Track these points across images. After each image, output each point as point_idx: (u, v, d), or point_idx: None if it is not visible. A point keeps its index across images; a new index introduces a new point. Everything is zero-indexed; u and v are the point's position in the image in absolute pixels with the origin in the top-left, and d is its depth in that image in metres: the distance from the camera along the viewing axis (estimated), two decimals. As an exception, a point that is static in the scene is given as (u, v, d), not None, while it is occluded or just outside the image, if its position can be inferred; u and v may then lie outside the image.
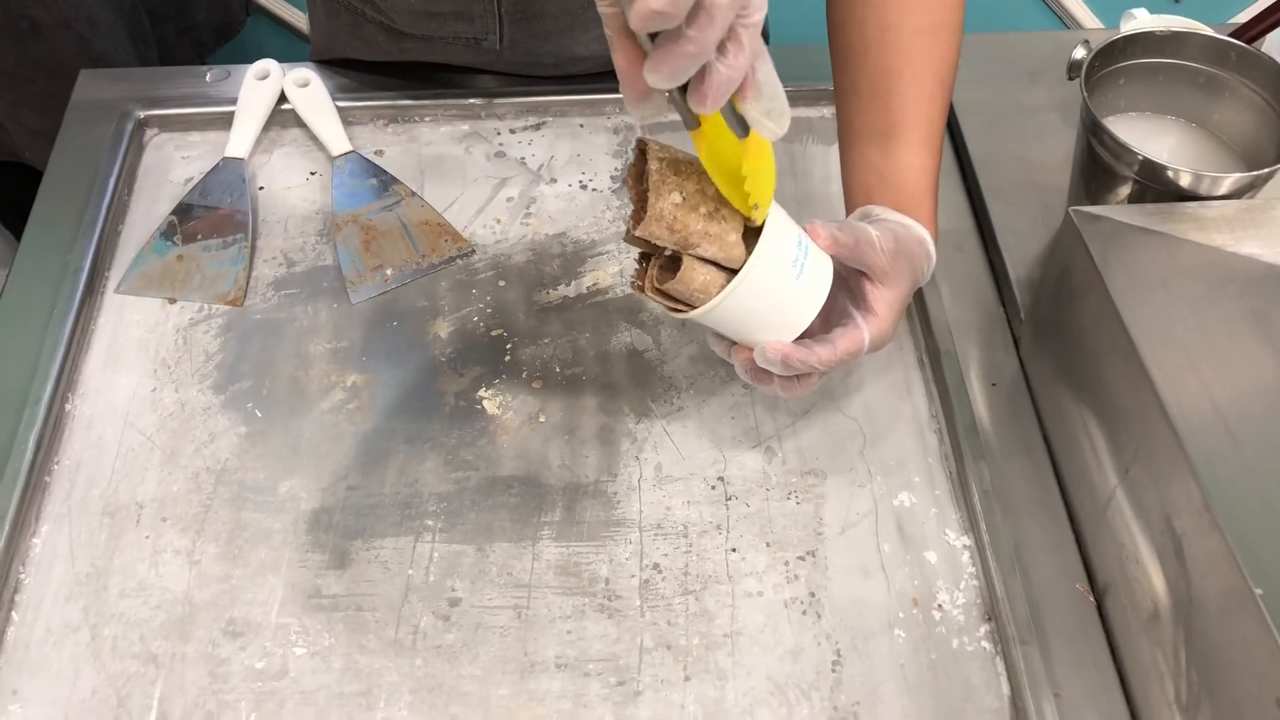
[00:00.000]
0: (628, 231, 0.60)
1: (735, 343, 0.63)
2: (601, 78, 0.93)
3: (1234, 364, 0.57)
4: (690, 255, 0.57)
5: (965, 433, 0.70)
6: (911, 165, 0.67)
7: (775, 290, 0.58)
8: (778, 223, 0.57)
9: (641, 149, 0.58)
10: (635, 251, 0.63)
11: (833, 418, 0.73)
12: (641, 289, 0.61)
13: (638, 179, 0.59)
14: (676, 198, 0.55)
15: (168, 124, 0.89)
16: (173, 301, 0.78)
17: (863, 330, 0.61)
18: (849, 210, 0.69)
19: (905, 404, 0.73)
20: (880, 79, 0.68)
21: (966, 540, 0.67)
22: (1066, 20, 1.87)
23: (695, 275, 0.57)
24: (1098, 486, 0.63)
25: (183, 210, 0.82)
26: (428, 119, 0.90)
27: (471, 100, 0.90)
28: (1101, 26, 1.84)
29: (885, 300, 0.62)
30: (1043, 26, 1.87)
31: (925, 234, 0.64)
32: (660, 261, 0.60)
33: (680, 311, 0.60)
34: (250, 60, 0.91)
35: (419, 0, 0.85)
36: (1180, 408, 0.55)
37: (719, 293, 0.57)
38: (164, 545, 0.67)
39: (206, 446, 0.71)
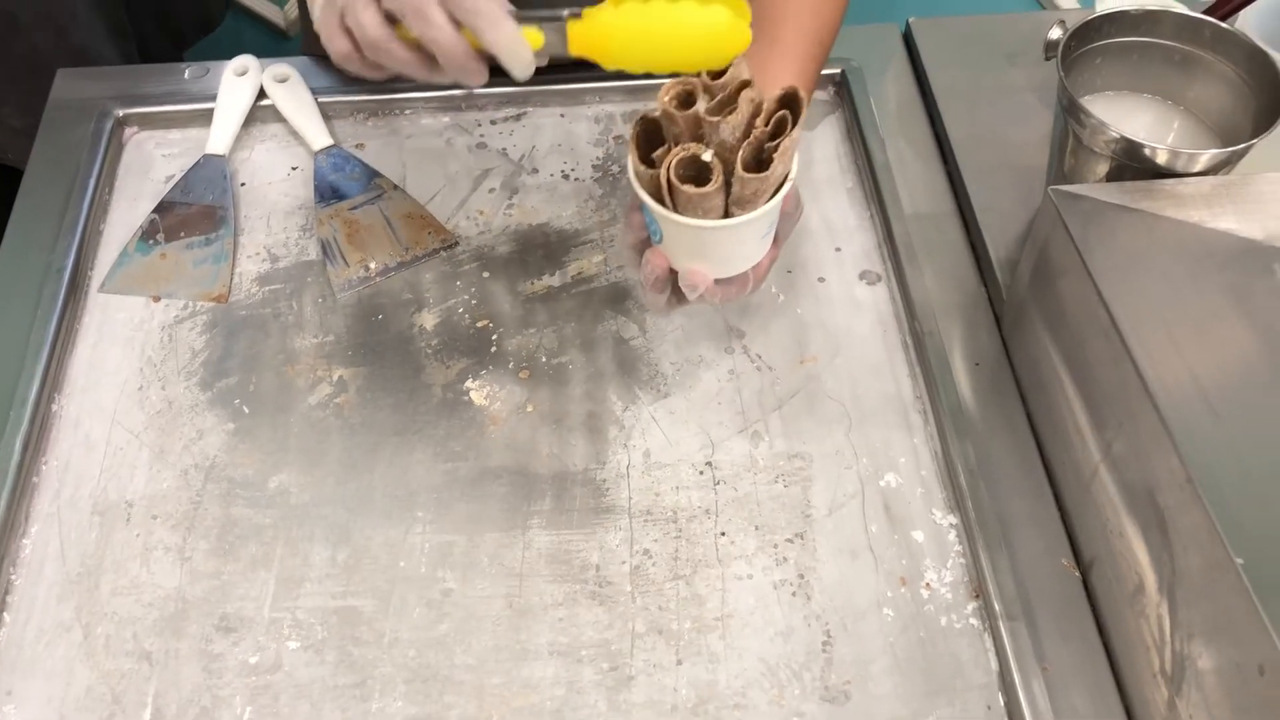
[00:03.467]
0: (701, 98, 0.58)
1: (650, 250, 0.63)
2: (581, 67, 0.93)
3: (1213, 338, 0.57)
4: (723, 180, 0.57)
5: (950, 412, 0.70)
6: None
7: (752, 237, 0.61)
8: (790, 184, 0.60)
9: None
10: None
11: (818, 401, 0.73)
12: (650, 163, 0.59)
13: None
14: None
15: (148, 122, 0.89)
16: (157, 299, 0.78)
17: (749, 278, 0.64)
18: None
19: (890, 385, 0.74)
20: (767, 24, 0.70)
21: (953, 519, 0.67)
22: (1046, 4, 1.88)
23: (714, 199, 0.57)
24: (1081, 463, 0.64)
25: (165, 208, 0.82)
26: (408, 112, 0.90)
27: (451, 92, 0.89)
28: (1078, 6, 1.85)
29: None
30: (1021, 7, 1.89)
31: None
32: (684, 160, 0.58)
33: (664, 207, 0.59)
34: (229, 55, 0.91)
35: None
36: (1161, 382, 0.55)
37: (717, 218, 0.58)
38: (155, 543, 0.67)
39: (195, 443, 0.71)
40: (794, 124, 0.57)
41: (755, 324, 0.77)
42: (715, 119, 0.56)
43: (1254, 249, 0.61)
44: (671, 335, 0.76)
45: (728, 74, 0.58)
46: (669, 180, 0.57)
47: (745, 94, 0.57)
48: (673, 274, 0.64)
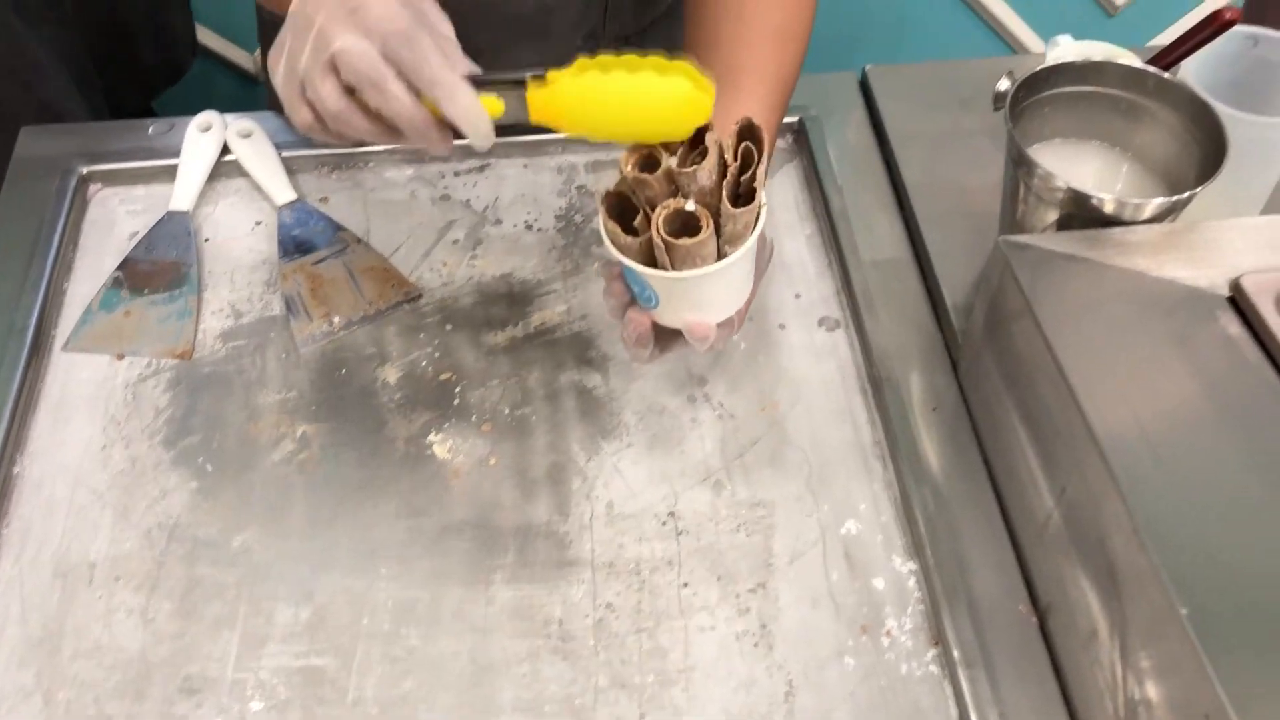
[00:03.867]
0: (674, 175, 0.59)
1: (630, 309, 0.65)
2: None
3: (1157, 386, 0.58)
4: (713, 226, 0.58)
5: (908, 458, 0.71)
6: None
7: (744, 270, 0.63)
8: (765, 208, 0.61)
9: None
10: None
11: (779, 448, 0.74)
12: (633, 232, 0.59)
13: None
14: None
15: (111, 178, 0.89)
16: (121, 357, 0.78)
17: (735, 318, 0.66)
18: None
19: (849, 431, 0.75)
20: (728, 73, 0.72)
21: (912, 565, 0.68)
22: (1012, 44, 1.91)
23: (709, 244, 0.59)
24: (1035, 508, 0.65)
25: (128, 265, 0.83)
26: (371, 164, 0.91)
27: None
28: (1047, 48, 1.88)
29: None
30: (989, 50, 1.92)
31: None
32: (668, 217, 0.59)
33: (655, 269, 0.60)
34: (198, 102, 0.92)
35: None
36: (1107, 431, 0.56)
37: (712, 263, 0.59)
38: (117, 604, 0.67)
39: (158, 503, 0.71)
40: (759, 151, 0.58)
41: (717, 371, 0.78)
42: (690, 169, 0.57)
43: (1198, 296, 0.63)
44: (634, 385, 0.77)
45: None
46: (663, 240, 0.58)
47: (709, 137, 0.58)
48: (655, 328, 0.65)
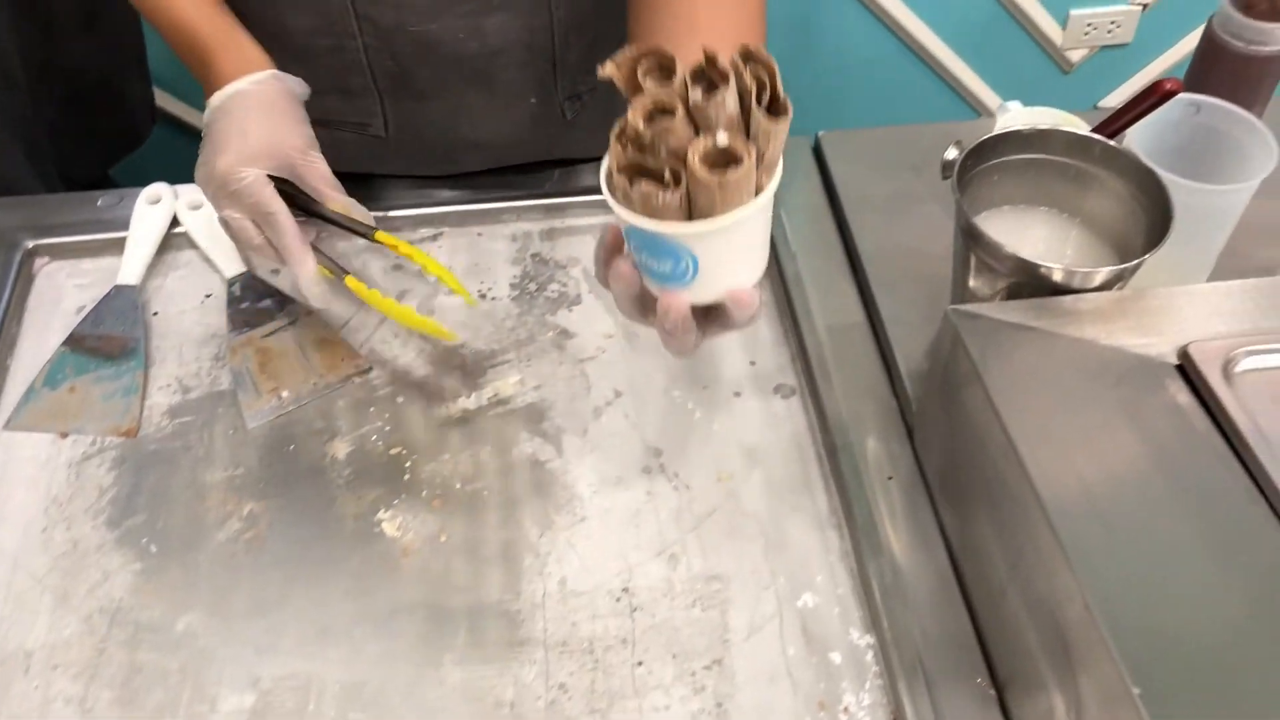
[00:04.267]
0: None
1: (662, 294, 0.58)
2: (499, 186, 0.94)
3: (1106, 455, 0.58)
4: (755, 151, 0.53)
5: (864, 528, 0.71)
6: None
7: (770, 213, 0.58)
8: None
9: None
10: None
11: (736, 519, 0.73)
12: (659, 178, 0.53)
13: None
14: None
15: (59, 252, 0.88)
16: (65, 435, 0.77)
17: (757, 293, 0.60)
18: None
19: (805, 500, 0.74)
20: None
21: (870, 639, 0.67)
22: (970, 102, 1.94)
23: (753, 174, 0.53)
24: (991, 579, 0.64)
25: (75, 340, 0.81)
26: (324, 235, 0.89)
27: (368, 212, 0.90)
28: (1016, 111, 1.91)
29: None
30: (947, 106, 1.94)
31: None
32: (703, 154, 0.53)
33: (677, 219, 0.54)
34: (156, 169, 0.92)
35: (298, 69, 0.82)
36: (1055, 501, 0.56)
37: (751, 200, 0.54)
38: (54, 694, 0.65)
39: (100, 586, 0.69)
40: (768, 70, 0.54)
41: (672, 441, 0.77)
42: (718, 98, 0.52)
43: (1146, 365, 0.63)
44: (589, 457, 0.76)
45: (676, 75, 0.54)
46: (710, 177, 0.52)
47: (723, 60, 0.53)
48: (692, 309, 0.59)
